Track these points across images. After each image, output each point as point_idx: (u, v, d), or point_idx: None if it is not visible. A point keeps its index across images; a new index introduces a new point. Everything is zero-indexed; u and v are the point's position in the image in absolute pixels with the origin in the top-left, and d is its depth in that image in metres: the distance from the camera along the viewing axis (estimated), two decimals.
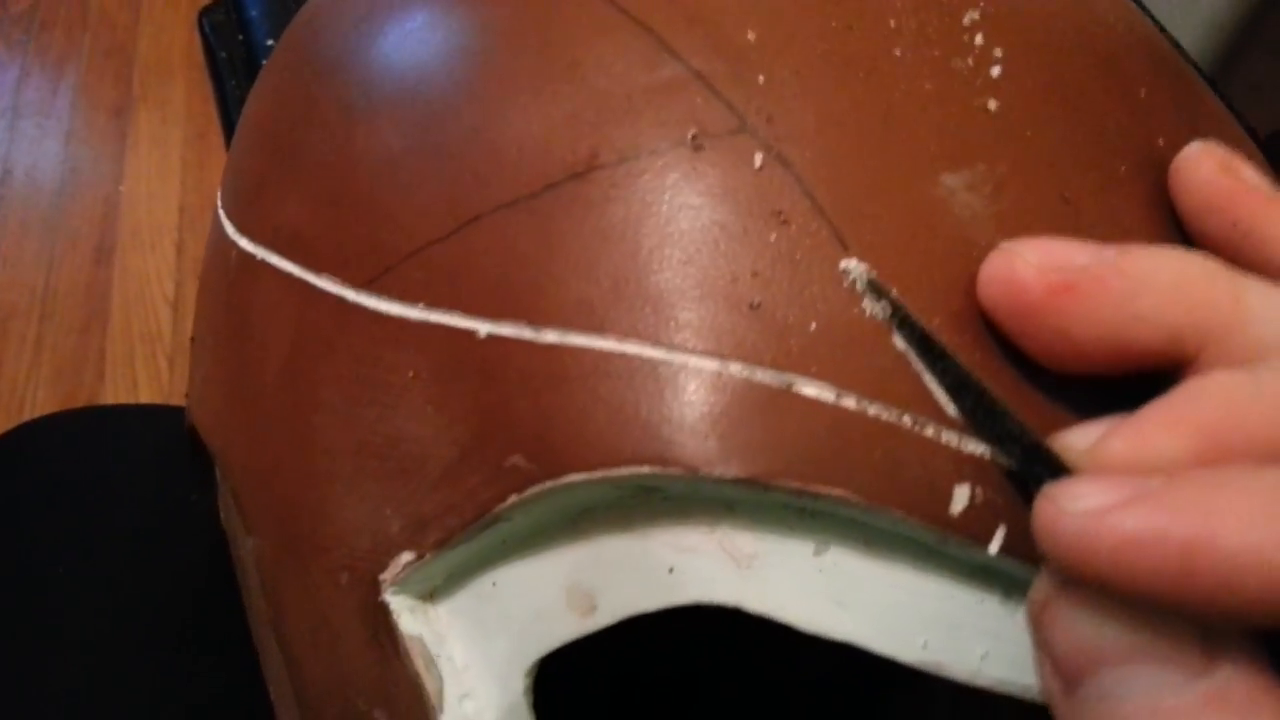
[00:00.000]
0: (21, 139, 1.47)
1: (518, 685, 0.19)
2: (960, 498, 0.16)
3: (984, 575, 0.17)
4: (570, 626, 0.18)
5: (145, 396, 1.24)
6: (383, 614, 0.19)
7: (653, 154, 0.18)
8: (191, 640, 0.38)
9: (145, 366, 1.27)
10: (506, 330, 0.18)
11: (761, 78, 0.18)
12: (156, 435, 0.44)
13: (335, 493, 0.20)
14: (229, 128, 0.77)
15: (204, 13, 0.81)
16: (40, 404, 1.25)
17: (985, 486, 0.16)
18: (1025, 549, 0.16)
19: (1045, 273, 0.16)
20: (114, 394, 1.25)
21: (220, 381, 0.24)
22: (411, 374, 0.19)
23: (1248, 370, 0.15)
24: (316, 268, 0.21)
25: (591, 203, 0.18)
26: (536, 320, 0.18)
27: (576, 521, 0.18)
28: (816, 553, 0.17)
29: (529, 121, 0.19)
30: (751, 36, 0.19)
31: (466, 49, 0.21)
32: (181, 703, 0.37)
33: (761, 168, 0.18)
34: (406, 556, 0.19)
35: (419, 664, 0.19)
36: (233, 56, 0.76)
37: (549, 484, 0.17)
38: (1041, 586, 0.15)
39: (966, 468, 0.16)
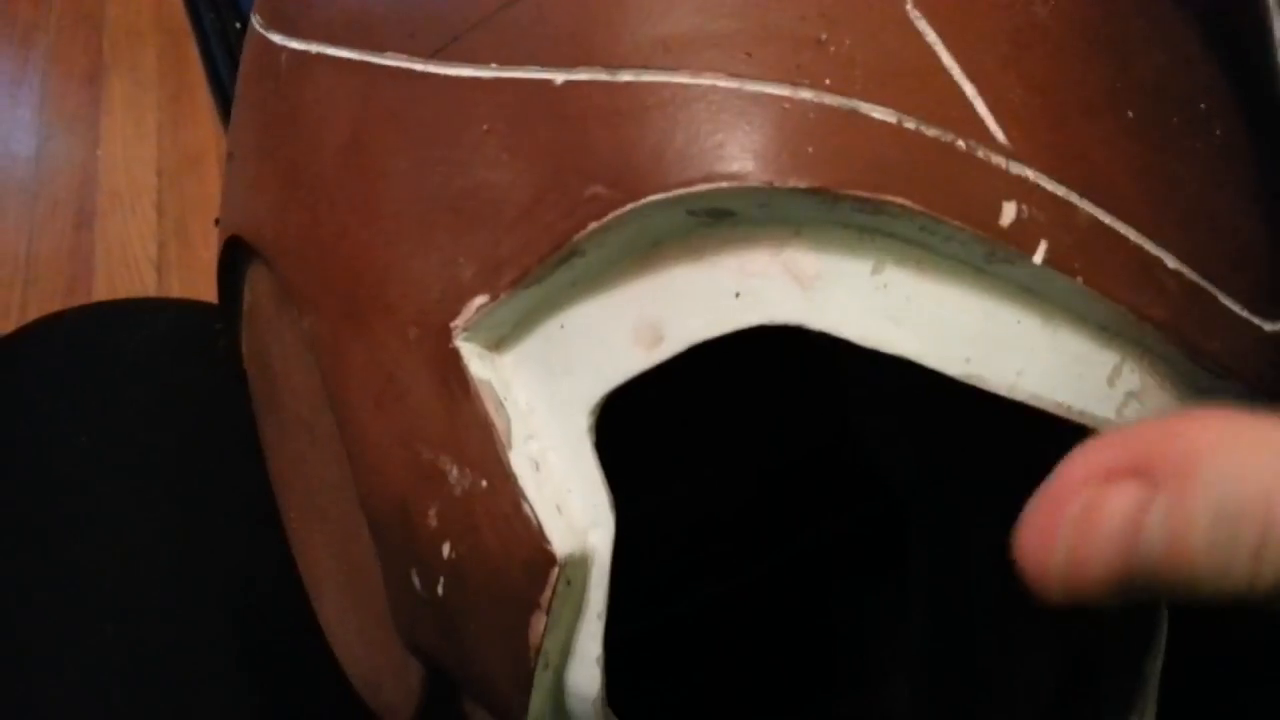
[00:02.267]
0: None
1: (582, 423, 0.20)
2: (1009, 212, 0.18)
3: (1024, 296, 0.19)
4: (636, 360, 0.19)
5: None
6: (453, 360, 0.20)
7: None
8: (204, 515, 0.39)
9: None
10: (582, 75, 0.19)
11: None
12: (163, 323, 0.44)
13: (404, 251, 0.21)
14: (211, 67, 0.77)
15: None
16: None
17: (1031, 205, 0.18)
18: (1064, 263, 0.18)
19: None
20: None
21: (271, 178, 0.25)
22: (486, 128, 0.20)
23: None
24: (379, 47, 0.22)
25: None
26: (612, 63, 0.19)
27: (646, 256, 0.19)
28: (874, 271, 0.18)
29: None
30: None
31: None
32: (199, 575, 0.38)
33: None
34: (479, 300, 0.20)
35: (489, 405, 0.20)
36: None
37: (629, 206, 0.18)
38: None
39: (1014, 187, 0.18)
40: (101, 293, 1.29)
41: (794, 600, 0.46)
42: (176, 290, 1.28)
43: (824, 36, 0.18)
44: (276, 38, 0.26)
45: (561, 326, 0.20)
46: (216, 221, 0.32)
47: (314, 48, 0.24)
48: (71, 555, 0.37)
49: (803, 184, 0.17)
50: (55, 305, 1.27)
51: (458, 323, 0.20)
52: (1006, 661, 0.37)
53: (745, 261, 0.19)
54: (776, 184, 0.17)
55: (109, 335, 0.42)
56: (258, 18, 0.28)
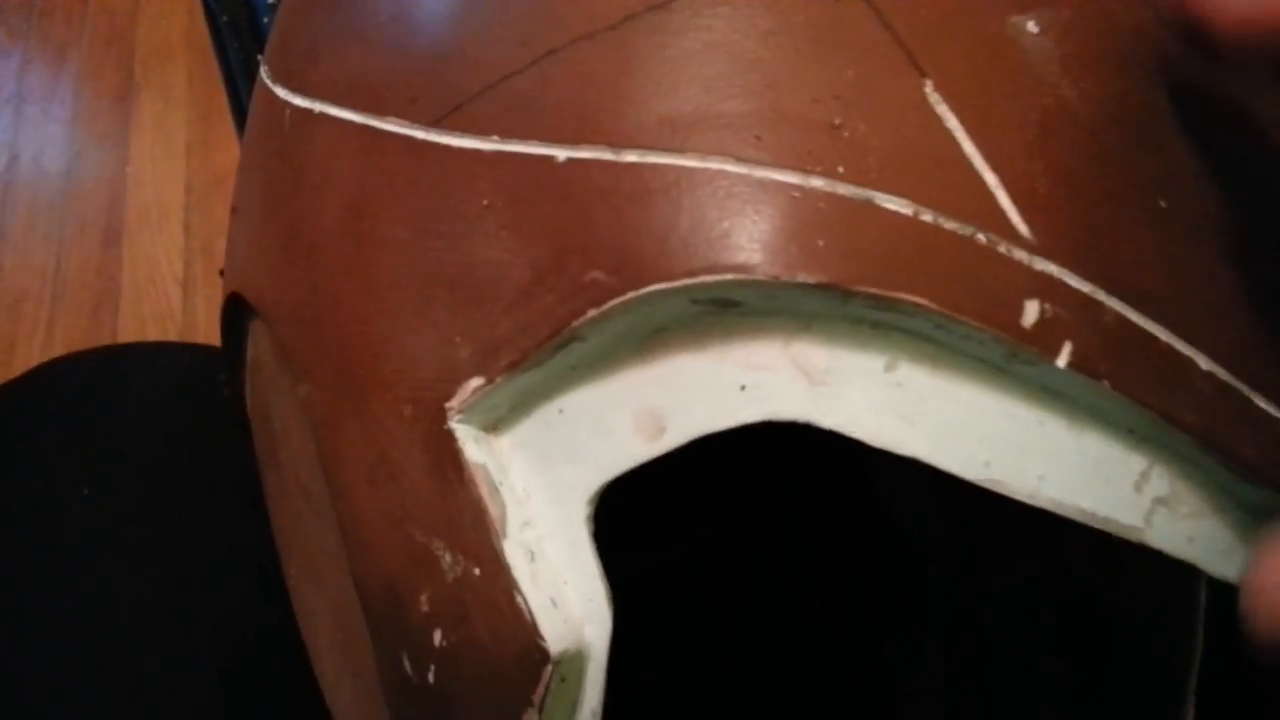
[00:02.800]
0: (26, 125, 1.47)
1: (580, 512, 0.19)
2: (1031, 311, 0.17)
3: (1047, 397, 0.18)
4: (638, 450, 0.19)
5: None
6: (447, 442, 0.20)
7: None
8: (207, 559, 0.39)
9: None
10: (586, 154, 0.18)
11: None
12: (167, 368, 0.44)
13: (400, 326, 0.20)
14: (234, 93, 0.77)
15: None
16: None
17: (1055, 304, 0.17)
18: (1090, 365, 0.17)
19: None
20: None
21: (271, 238, 0.24)
22: (486, 203, 0.19)
23: None
24: (380, 111, 0.21)
25: (671, 31, 0.18)
26: (617, 142, 0.18)
27: (648, 343, 0.19)
28: (888, 368, 0.18)
29: None
30: None
31: None
32: (199, 626, 0.37)
33: (840, 1, 0.18)
34: (475, 382, 0.19)
35: (483, 490, 0.19)
36: (235, 20, 0.76)
37: (630, 295, 0.17)
38: None
39: (1038, 284, 0.17)
40: (128, 310, 1.30)
41: (810, 653, 0.46)
42: (201, 308, 1.28)
43: (838, 121, 0.17)
44: (281, 92, 0.25)
45: (560, 411, 0.19)
46: (221, 272, 0.31)
47: (317, 106, 0.24)
48: (71, 604, 0.36)
49: (812, 279, 0.16)
50: (82, 322, 1.28)
51: (453, 404, 0.19)
52: None
53: (752, 353, 0.18)
54: (784, 278, 0.16)
55: (114, 380, 0.42)
56: (265, 69, 0.28)
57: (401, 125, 0.21)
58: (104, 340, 1.28)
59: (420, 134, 0.21)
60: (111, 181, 1.42)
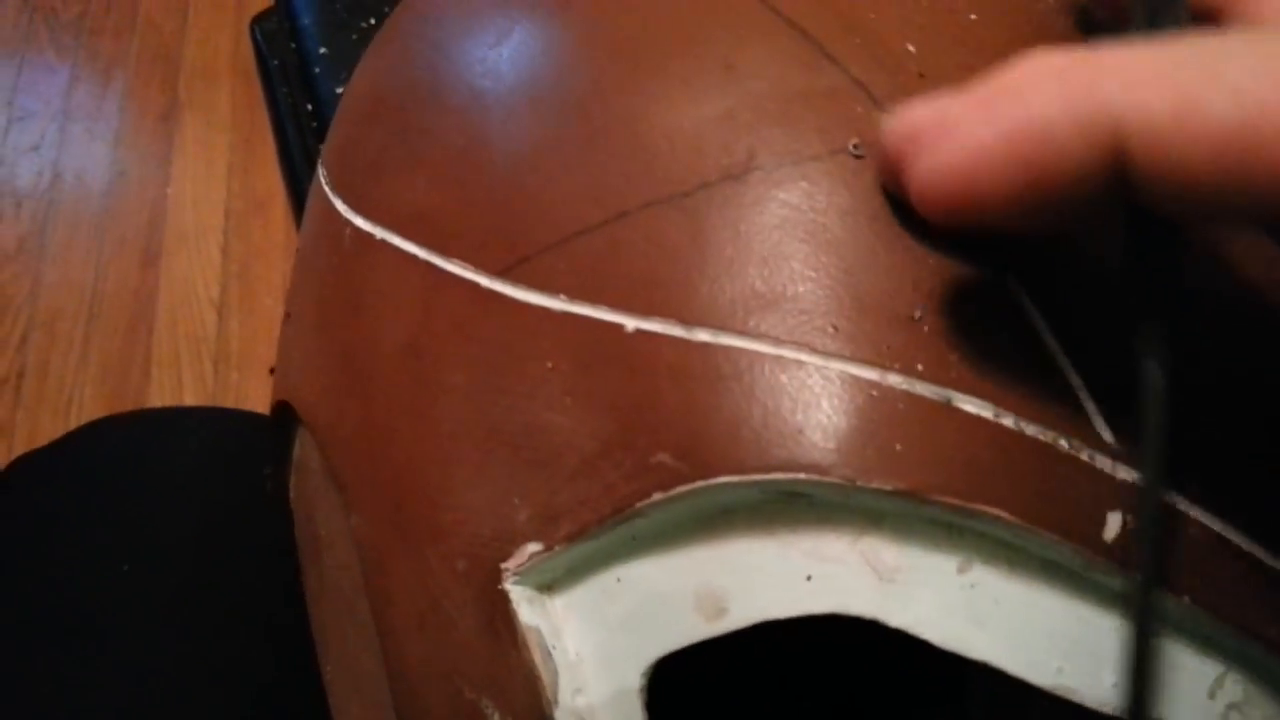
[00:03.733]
0: (71, 142, 1.49)
1: (634, 683, 0.19)
2: (1113, 525, 0.16)
3: (1122, 604, 0.17)
4: (696, 628, 0.18)
5: (190, 398, 1.26)
6: (501, 603, 0.19)
7: (813, 160, 0.18)
8: (244, 634, 0.39)
9: (190, 368, 1.28)
10: (655, 326, 0.18)
11: (920, 88, 0.18)
12: (206, 436, 0.44)
13: (458, 477, 0.20)
14: (281, 134, 0.78)
15: (256, 21, 0.81)
16: (87, 403, 1.27)
17: (1137, 515, 0.16)
18: (1171, 581, 0.16)
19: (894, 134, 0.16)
20: (159, 395, 1.26)
21: (326, 357, 0.24)
22: (550, 364, 0.19)
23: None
24: (445, 251, 0.21)
25: (747, 204, 0.18)
26: (688, 319, 0.18)
27: (712, 521, 0.18)
28: (961, 570, 0.17)
29: (680, 118, 0.19)
30: (911, 48, 0.19)
31: (612, 42, 0.21)
32: (234, 695, 0.37)
33: None
34: (533, 547, 0.19)
35: (536, 655, 0.19)
36: (285, 64, 0.77)
37: (698, 484, 0.17)
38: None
39: (1121, 495, 0.16)
40: (163, 332, 1.31)
41: None
42: (235, 333, 1.29)
43: (918, 314, 0.17)
44: (341, 207, 0.25)
45: (618, 580, 0.19)
46: (272, 371, 0.31)
47: (379, 233, 0.23)
48: (97, 677, 0.36)
49: (888, 486, 0.16)
50: (117, 342, 1.29)
51: (509, 565, 0.19)
52: None
53: (820, 545, 0.17)
54: (860, 483, 0.16)
55: (149, 448, 0.42)
56: (325, 174, 0.28)
57: (467, 270, 0.21)
58: (138, 361, 1.29)
59: (485, 282, 0.20)
60: (152, 202, 1.43)
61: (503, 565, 0.19)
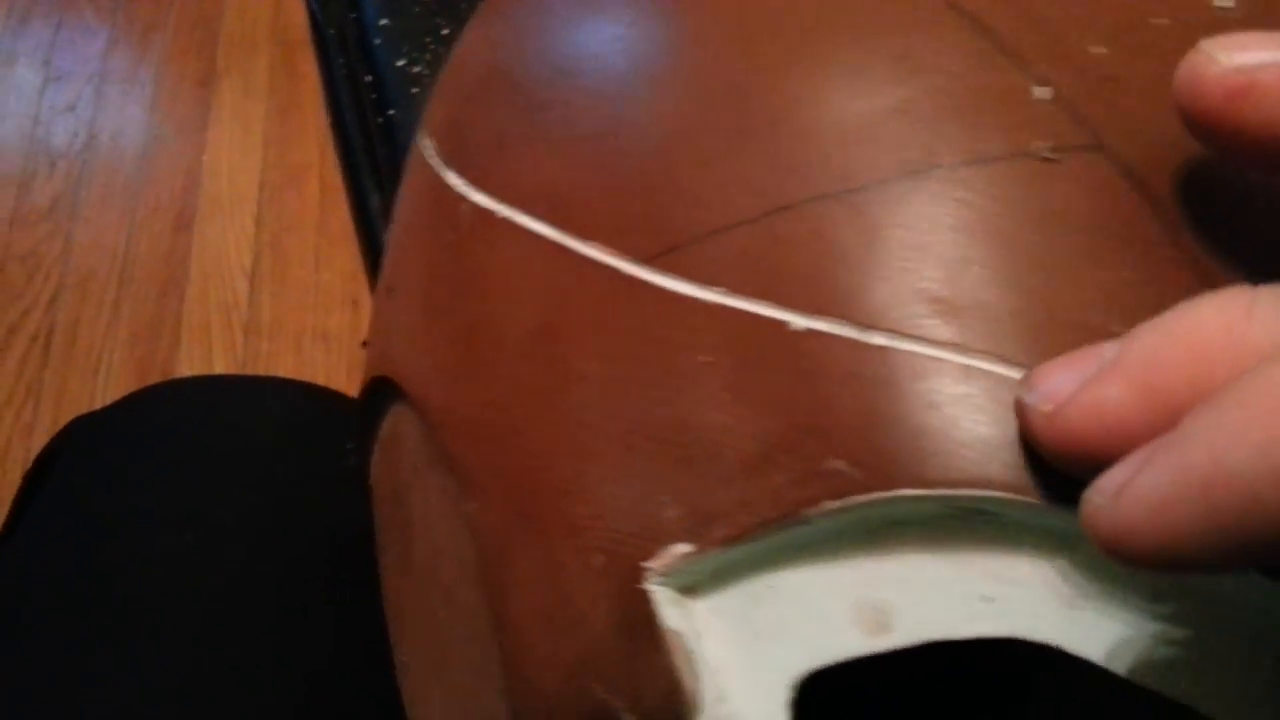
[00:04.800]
0: (107, 104, 1.49)
1: (781, 696, 0.18)
2: None
3: None
4: (855, 643, 0.17)
5: (220, 366, 1.25)
6: (642, 602, 0.19)
7: (998, 160, 0.17)
8: (307, 618, 0.38)
9: (220, 336, 1.28)
10: (825, 326, 0.17)
11: (1112, 93, 0.18)
12: (281, 409, 0.43)
13: (594, 470, 0.19)
14: (335, 106, 0.77)
15: None
16: (116, 366, 1.26)
17: None
18: None
19: (1227, 74, 0.15)
20: (189, 361, 1.26)
21: (440, 336, 0.23)
22: (705, 359, 0.18)
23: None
24: (580, 233, 0.20)
25: (924, 203, 0.17)
26: (861, 320, 0.17)
27: (880, 533, 0.17)
28: (1156, 598, 0.16)
29: (848, 109, 0.18)
30: (1099, 50, 0.18)
31: (771, 25, 0.20)
32: (291, 673, 0.37)
33: (1116, 189, 0.17)
34: (683, 548, 0.18)
35: (678, 659, 0.18)
36: (343, 34, 0.76)
37: (876, 495, 0.16)
38: None
39: None
40: (194, 299, 1.31)
41: None
42: (267, 304, 1.29)
43: (1115, 329, 0.16)
44: (455, 180, 0.24)
45: (770, 587, 0.18)
46: (364, 344, 0.30)
47: (503, 211, 0.23)
48: (153, 656, 0.35)
49: None
50: (148, 307, 1.29)
51: (653, 565, 0.18)
52: None
53: (1002, 566, 0.16)
54: (1057, 505, 0.15)
55: (220, 416, 0.41)
56: (430, 144, 0.27)
57: (607, 254, 0.20)
58: (168, 327, 1.29)
59: (629, 268, 0.20)
60: (187, 168, 1.42)
61: (645, 564, 0.19)
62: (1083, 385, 0.14)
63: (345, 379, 1.22)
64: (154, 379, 1.25)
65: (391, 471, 0.30)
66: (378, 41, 0.69)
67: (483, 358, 0.22)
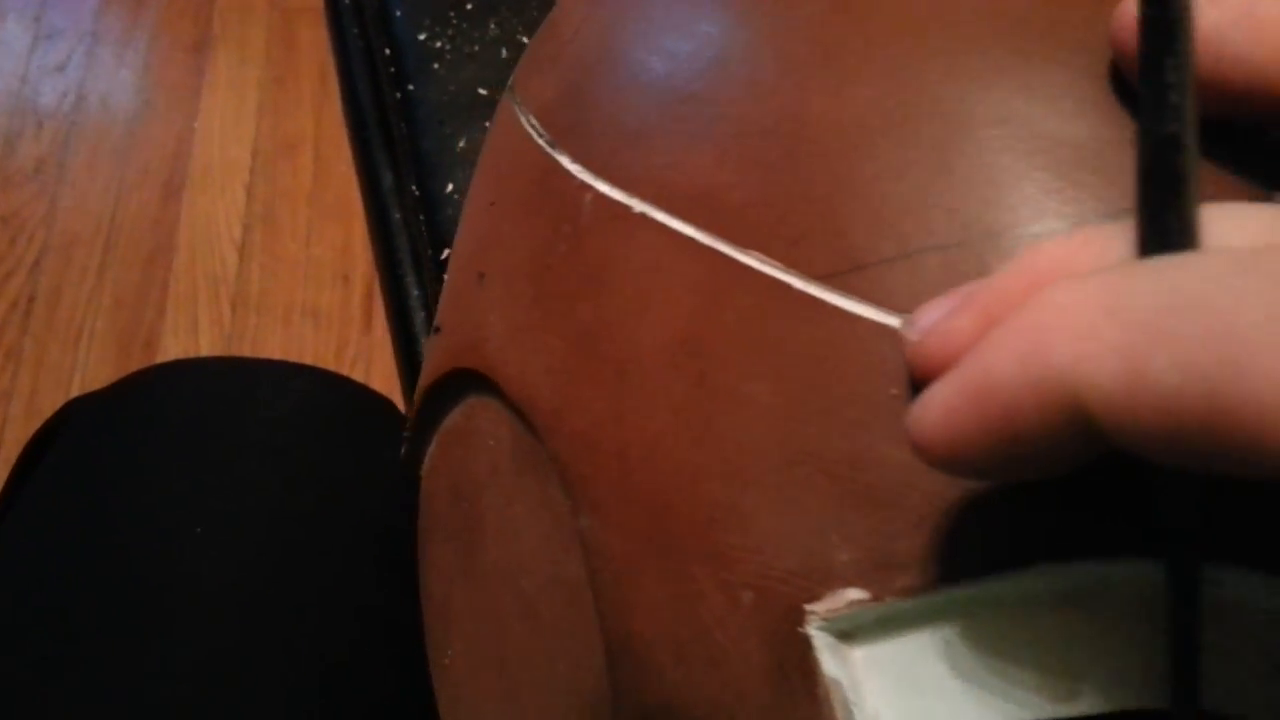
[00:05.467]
0: (98, 66, 1.45)
1: None
2: None
3: None
4: (1037, 708, 0.16)
5: (205, 339, 1.23)
6: (799, 646, 0.17)
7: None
8: (325, 614, 0.36)
9: (207, 308, 1.25)
10: None
11: None
12: (301, 398, 0.41)
13: (751, 499, 0.18)
14: (347, 75, 0.74)
15: None
16: (98, 335, 1.23)
17: None
18: None
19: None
20: (174, 332, 1.23)
21: (553, 334, 0.22)
22: (895, 392, 0.17)
23: None
24: (738, 241, 0.19)
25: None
26: None
27: (1070, 595, 0.16)
28: None
29: (1066, 133, 0.17)
30: None
31: (971, 29, 0.18)
32: (312, 659, 0.35)
33: None
34: (855, 594, 0.17)
35: (838, 711, 0.17)
36: (360, 5, 0.74)
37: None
38: None
39: None
40: (181, 269, 1.28)
41: None
42: (255, 277, 1.26)
43: None
44: (575, 169, 0.23)
45: (946, 642, 0.17)
46: (437, 329, 0.28)
47: (637, 205, 0.21)
48: (160, 652, 0.34)
49: None
50: (134, 274, 1.26)
51: (817, 609, 0.17)
52: None
53: (1219, 635, 0.15)
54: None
55: (234, 401, 0.39)
56: (533, 120, 0.25)
57: (770, 266, 0.18)
58: (153, 296, 1.26)
59: (800, 284, 0.18)
60: (178, 134, 1.39)
61: (807, 606, 0.17)
62: (945, 316, 0.15)
63: (334, 358, 1.20)
64: (136, 350, 1.22)
65: (455, 466, 0.28)
66: (399, 14, 0.67)
67: (610, 363, 0.21)
